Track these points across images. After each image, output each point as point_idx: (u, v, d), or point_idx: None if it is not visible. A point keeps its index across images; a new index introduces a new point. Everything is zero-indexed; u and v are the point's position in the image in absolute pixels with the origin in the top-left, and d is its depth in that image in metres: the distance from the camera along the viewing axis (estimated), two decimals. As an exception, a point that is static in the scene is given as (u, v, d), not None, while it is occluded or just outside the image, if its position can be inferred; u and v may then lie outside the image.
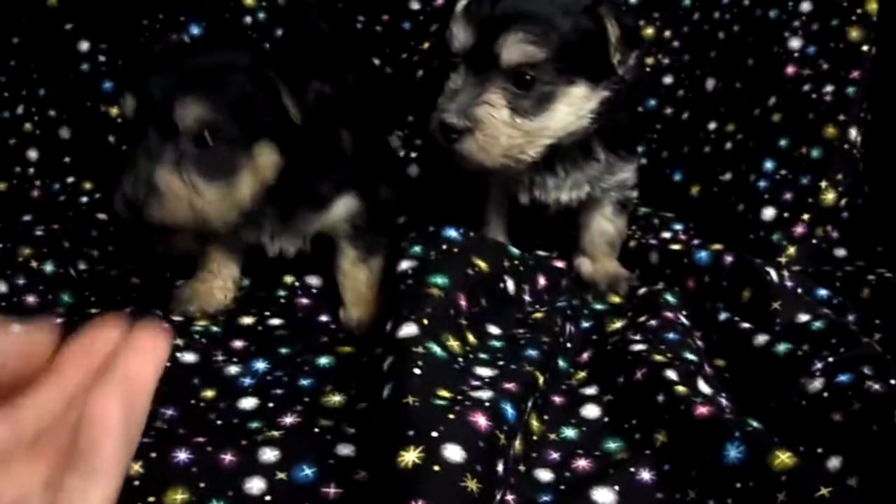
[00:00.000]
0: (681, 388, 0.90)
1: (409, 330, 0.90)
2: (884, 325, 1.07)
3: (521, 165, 1.11)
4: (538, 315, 1.11)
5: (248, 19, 1.47)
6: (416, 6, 1.47)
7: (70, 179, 1.51)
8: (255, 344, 1.11)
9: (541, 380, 0.96)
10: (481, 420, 0.80)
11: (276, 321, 1.17)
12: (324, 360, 1.06)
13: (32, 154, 1.52)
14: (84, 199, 1.49)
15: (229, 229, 1.07)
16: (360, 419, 0.94)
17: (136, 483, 0.82)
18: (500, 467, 0.79)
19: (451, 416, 0.79)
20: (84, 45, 1.47)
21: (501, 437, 0.81)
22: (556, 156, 1.16)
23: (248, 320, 1.16)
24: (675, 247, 1.26)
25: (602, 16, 1.05)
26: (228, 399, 0.98)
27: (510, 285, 1.13)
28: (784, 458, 0.77)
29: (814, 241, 1.30)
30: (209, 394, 0.99)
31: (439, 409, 0.79)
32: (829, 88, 1.32)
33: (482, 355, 0.97)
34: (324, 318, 1.19)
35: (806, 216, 1.30)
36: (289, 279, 1.24)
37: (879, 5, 1.31)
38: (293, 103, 1.02)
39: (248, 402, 0.98)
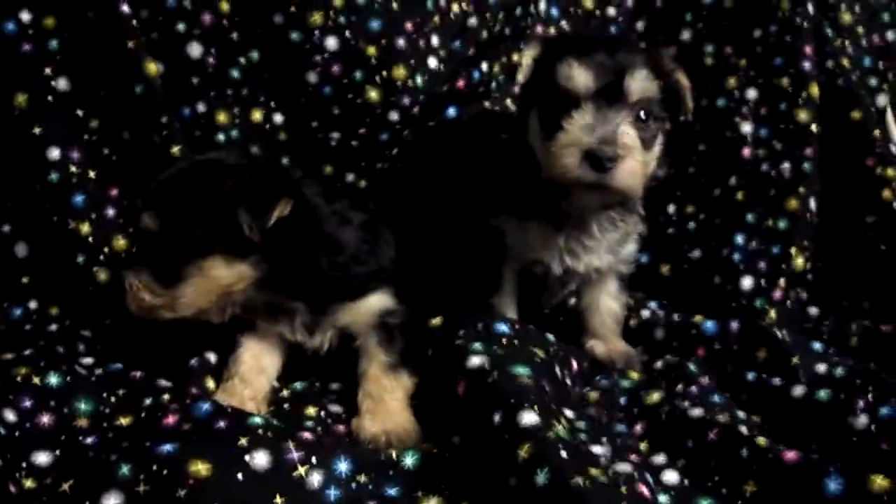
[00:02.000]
0: (762, 440, 1.06)
1: (531, 418, 0.99)
2: (876, 368, 1.29)
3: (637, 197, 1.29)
4: (594, 394, 1.26)
5: (221, 136, 1.51)
6: (394, 117, 1.55)
7: (32, 304, 1.46)
8: (327, 436, 1.13)
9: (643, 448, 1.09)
10: (645, 490, 0.92)
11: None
12: (409, 462, 1.08)
13: (-14, 275, 1.45)
14: (53, 326, 1.44)
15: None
16: None
17: None
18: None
19: (624, 491, 0.90)
20: (54, 153, 1.42)
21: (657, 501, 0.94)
22: (593, 214, 1.33)
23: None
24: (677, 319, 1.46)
25: (673, 68, 1.27)
26: None
27: (557, 370, 1.25)
28: (879, 480, 0.93)
29: (788, 302, 1.56)
30: None
31: (609, 486, 0.90)
32: (786, 166, 1.60)
33: (581, 436, 1.09)
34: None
35: (782, 281, 1.56)
36: (312, 411, 1.23)
37: (820, 89, 1.62)
38: (249, 221, 1.11)
39: None
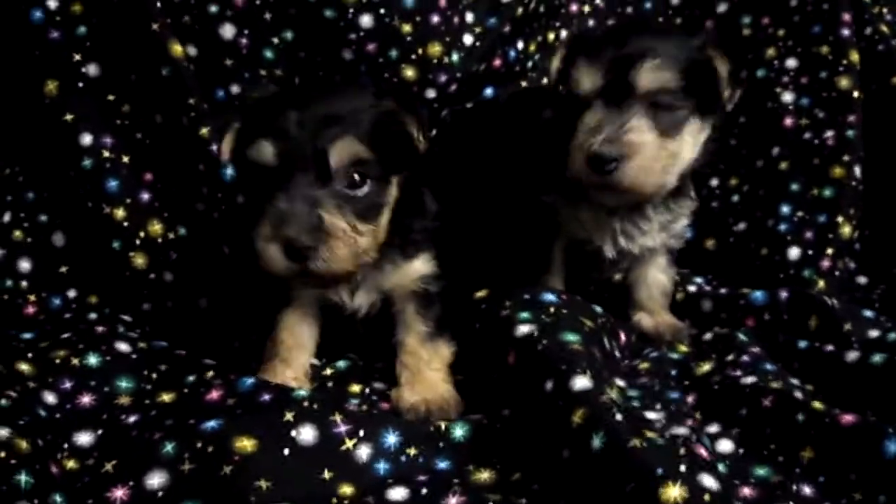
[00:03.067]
0: (818, 405, 1.06)
1: (583, 382, 0.99)
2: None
3: (664, 191, 1.25)
4: (645, 365, 1.26)
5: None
6: (431, 94, 1.55)
7: (71, 293, 1.45)
8: (374, 407, 1.12)
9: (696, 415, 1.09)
10: (703, 451, 0.92)
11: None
12: (459, 433, 1.08)
13: (24, 265, 1.44)
14: (93, 315, 1.43)
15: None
16: (524, 490, 0.99)
17: None
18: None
19: (683, 451, 0.89)
20: (87, 139, 1.42)
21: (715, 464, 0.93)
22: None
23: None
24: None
25: (712, 54, 1.21)
26: (372, 494, 0.98)
27: (605, 341, 1.25)
28: None
29: (837, 272, 1.54)
30: (347, 490, 0.99)
31: (667, 447, 0.90)
32: (829, 134, 1.60)
33: (634, 402, 1.09)
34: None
35: (830, 250, 1.55)
36: (356, 388, 1.22)
37: (860, 56, 1.61)
38: (422, 133, 1.11)
39: (397, 493, 0.98)
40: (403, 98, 1.14)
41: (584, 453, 0.93)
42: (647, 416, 1.05)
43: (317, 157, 1.04)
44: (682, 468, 0.86)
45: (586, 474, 0.93)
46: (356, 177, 1.06)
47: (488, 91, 1.63)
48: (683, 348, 1.37)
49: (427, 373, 1.19)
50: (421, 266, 1.21)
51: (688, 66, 1.20)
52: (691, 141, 1.24)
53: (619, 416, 0.94)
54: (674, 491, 0.83)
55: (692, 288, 1.55)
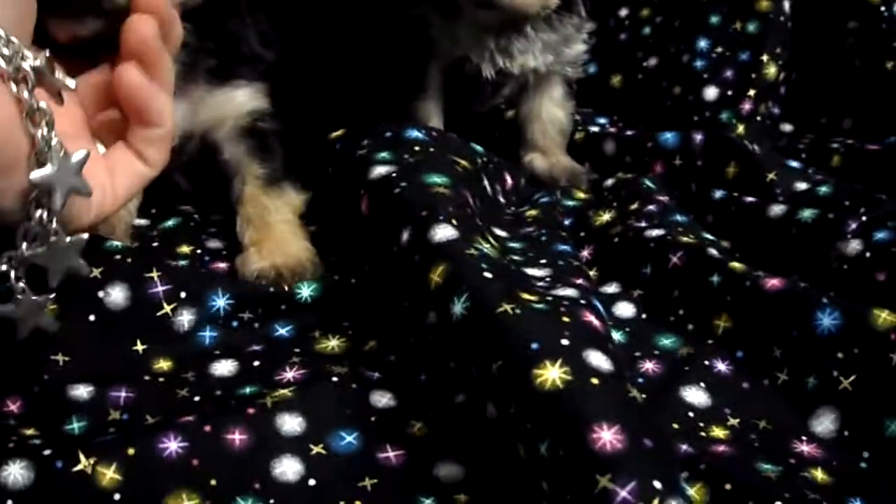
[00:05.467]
0: (737, 265, 0.82)
1: (445, 232, 0.73)
2: (865, 189, 1.04)
3: (546, 11, 1.05)
4: (533, 212, 1.00)
5: None
6: None
7: None
8: (201, 265, 0.86)
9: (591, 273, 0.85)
10: (592, 318, 0.65)
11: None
12: (305, 293, 0.83)
13: None
14: None
15: None
16: (378, 361, 0.75)
17: (118, 497, 0.59)
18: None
19: (567, 319, 0.63)
20: None
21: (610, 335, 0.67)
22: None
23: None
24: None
25: None
26: (194, 368, 0.75)
27: (486, 185, 0.99)
28: (885, 315, 0.70)
29: (758, 117, 1.30)
30: (164, 364, 0.75)
31: (546, 314, 0.63)
32: None
33: (515, 257, 0.83)
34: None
35: (752, 92, 1.30)
36: (186, 248, 0.91)
37: None
38: None
39: (223, 367, 0.75)
40: None
41: (445, 321, 0.67)
42: (530, 272, 0.79)
43: None
44: (564, 342, 0.60)
45: (448, 347, 0.69)
46: None
47: None
48: (581, 195, 1.13)
49: (276, 225, 0.91)
50: (245, 99, 0.92)
51: None
52: None
53: (487, 275, 0.67)
54: (552, 372, 0.57)
55: (594, 128, 1.29)
